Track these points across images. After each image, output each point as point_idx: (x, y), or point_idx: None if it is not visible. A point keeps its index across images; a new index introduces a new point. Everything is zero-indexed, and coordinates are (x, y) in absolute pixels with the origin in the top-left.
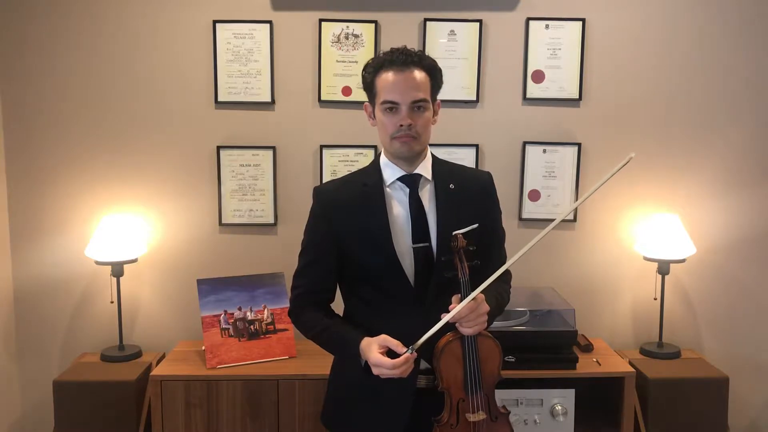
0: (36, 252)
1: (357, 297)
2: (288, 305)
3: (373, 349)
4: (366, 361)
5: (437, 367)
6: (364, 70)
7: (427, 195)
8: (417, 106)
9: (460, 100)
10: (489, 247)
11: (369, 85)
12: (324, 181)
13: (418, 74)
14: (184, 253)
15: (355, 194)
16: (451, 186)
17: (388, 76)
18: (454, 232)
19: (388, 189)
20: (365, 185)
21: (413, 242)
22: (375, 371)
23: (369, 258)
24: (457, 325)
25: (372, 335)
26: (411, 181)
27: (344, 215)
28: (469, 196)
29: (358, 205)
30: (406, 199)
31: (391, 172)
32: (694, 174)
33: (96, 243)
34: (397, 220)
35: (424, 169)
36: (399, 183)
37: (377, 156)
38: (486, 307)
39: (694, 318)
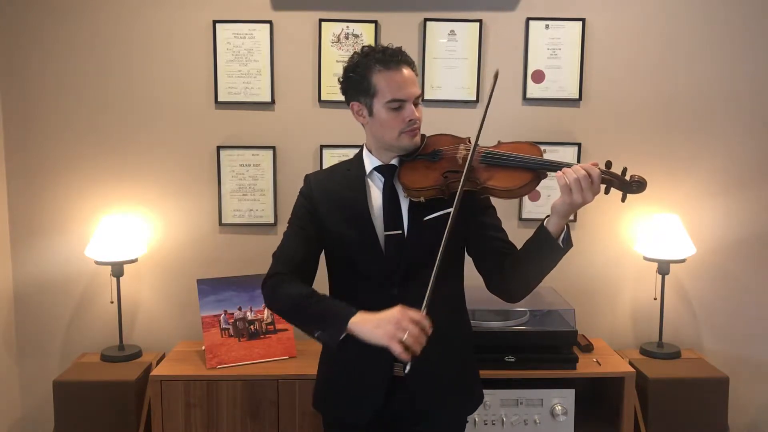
0: (36, 252)
1: (332, 277)
2: None
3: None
4: (345, 335)
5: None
6: (351, 71)
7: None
8: (417, 101)
9: (460, 100)
10: (484, 226)
11: (363, 85)
12: None
13: (410, 71)
14: (184, 253)
15: (339, 178)
16: None
17: (390, 76)
18: (425, 218)
19: (368, 178)
20: (348, 170)
21: (385, 230)
22: (397, 315)
23: (346, 236)
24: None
25: None
26: (387, 170)
27: (327, 195)
28: None
29: (341, 187)
30: (382, 188)
31: (370, 162)
32: (694, 174)
33: (96, 243)
34: (374, 208)
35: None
36: (376, 173)
37: (360, 149)
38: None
39: (694, 318)
